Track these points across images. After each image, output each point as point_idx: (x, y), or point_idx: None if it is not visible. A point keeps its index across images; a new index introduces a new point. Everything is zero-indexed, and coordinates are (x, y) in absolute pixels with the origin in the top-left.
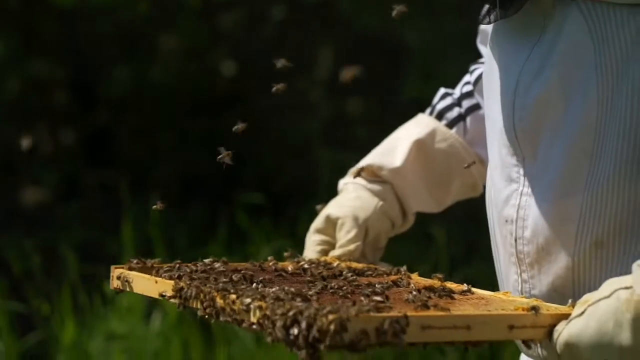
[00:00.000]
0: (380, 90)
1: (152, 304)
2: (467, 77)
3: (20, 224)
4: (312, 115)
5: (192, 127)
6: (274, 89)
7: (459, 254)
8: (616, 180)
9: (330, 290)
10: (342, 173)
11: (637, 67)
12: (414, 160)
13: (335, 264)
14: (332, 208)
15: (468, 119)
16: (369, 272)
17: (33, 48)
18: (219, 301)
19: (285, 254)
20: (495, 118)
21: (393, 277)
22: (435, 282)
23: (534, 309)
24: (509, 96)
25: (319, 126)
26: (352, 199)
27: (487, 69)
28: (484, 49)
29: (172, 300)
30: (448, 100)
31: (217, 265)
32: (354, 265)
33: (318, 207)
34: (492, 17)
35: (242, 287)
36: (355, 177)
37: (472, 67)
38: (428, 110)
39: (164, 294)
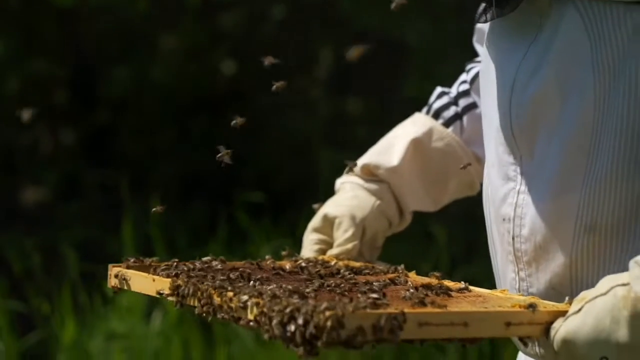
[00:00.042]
0: (380, 90)
1: (152, 304)
2: (464, 76)
3: (21, 223)
4: (312, 115)
5: (192, 126)
6: (274, 86)
7: (459, 253)
8: (613, 178)
9: (328, 288)
10: (342, 172)
11: (634, 64)
12: (410, 159)
13: (332, 263)
14: (330, 207)
15: (465, 118)
16: (367, 271)
17: (33, 48)
18: (216, 299)
19: (283, 252)
20: (492, 116)
21: (390, 276)
22: (432, 280)
23: (531, 306)
24: (506, 94)
25: (319, 125)
26: (349, 198)
27: (484, 67)
28: (480, 48)
29: (169, 298)
30: (445, 99)
31: (214, 263)
32: (352, 263)
33: (315, 206)
34: (488, 15)
35: (240, 284)
36: (347, 172)
37: (468, 66)
38: (425, 109)
39: (161, 292)
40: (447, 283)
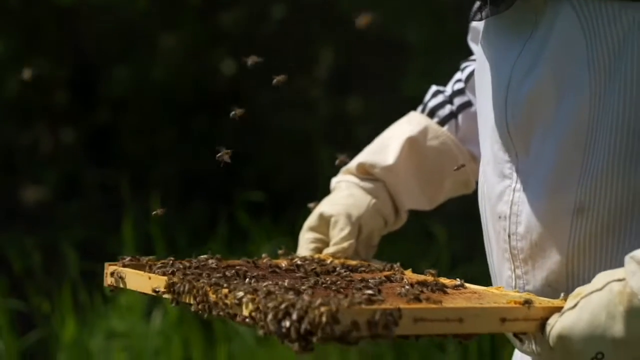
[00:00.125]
0: (380, 89)
1: (152, 302)
2: (459, 75)
3: (21, 222)
4: (312, 114)
5: (192, 125)
6: (274, 81)
7: (459, 252)
8: (609, 176)
9: (323, 286)
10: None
11: (629, 62)
12: (406, 158)
13: (328, 261)
14: (325, 206)
15: (460, 117)
16: (363, 269)
17: (33, 47)
18: (212, 296)
19: (280, 251)
20: (488, 114)
21: (386, 273)
22: (428, 278)
23: (527, 302)
24: (501, 92)
25: (319, 125)
26: (345, 196)
27: (479, 66)
28: (475, 47)
29: (165, 295)
30: (440, 98)
31: (210, 262)
32: (348, 262)
33: (311, 205)
34: (483, 13)
35: (235, 282)
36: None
37: (463, 65)
38: (420, 108)
39: (157, 289)
40: (443, 280)
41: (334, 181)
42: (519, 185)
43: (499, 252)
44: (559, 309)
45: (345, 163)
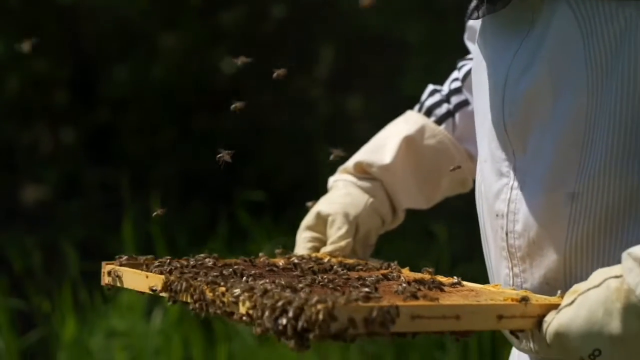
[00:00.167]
0: (380, 89)
1: (153, 301)
2: (455, 74)
3: (21, 221)
4: (313, 114)
5: (192, 125)
6: (274, 74)
7: (460, 251)
8: (606, 174)
9: (320, 284)
10: None
11: (626, 60)
12: (403, 157)
13: (326, 260)
14: (323, 205)
15: (457, 115)
16: (360, 267)
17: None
18: (209, 294)
19: (277, 251)
20: (485, 113)
21: (383, 271)
22: (425, 276)
23: (524, 299)
24: (499, 90)
25: (319, 124)
26: (342, 195)
27: (476, 64)
28: (472, 45)
29: (162, 294)
30: (436, 97)
31: (207, 260)
32: (345, 260)
33: (309, 204)
34: (480, 12)
35: (232, 280)
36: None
37: (460, 64)
38: (417, 107)
39: (154, 288)
40: (440, 278)
41: (331, 180)
42: (516, 183)
43: (497, 250)
44: (556, 306)
45: (340, 157)
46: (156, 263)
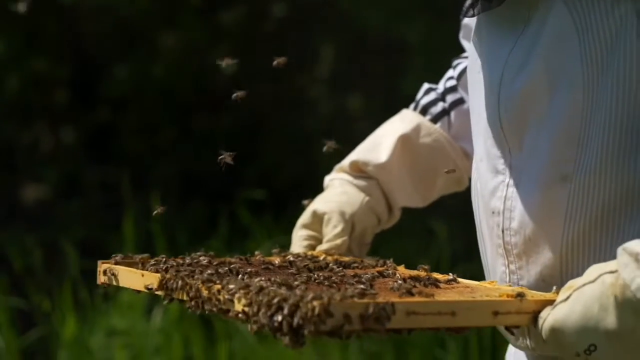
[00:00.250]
0: (381, 88)
1: (153, 300)
2: (451, 72)
3: (21, 221)
4: (313, 113)
5: (192, 124)
6: (275, 62)
7: (460, 250)
8: (602, 171)
9: (316, 281)
10: None
11: (622, 57)
12: (399, 156)
13: (321, 258)
14: (319, 203)
15: (452, 114)
16: (356, 265)
17: (34, 47)
18: (204, 292)
19: (274, 250)
20: (481, 111)
21: (379, 269)
22: (421, 273)
23: (519, 295)
24: (494, 88)
25: (319, 123)
26: (338, 194)
27: (471, 62)
28: (467, 44)
29: (158, 292)
30: (432, 95)
31: (202, 259)
32: (341, 258)
33: (305, 202)
34: (475, 10)
35: (228, 278)
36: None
37: (455, 62)
38: (412, 105)
39: (149, 286)
40: (436, 275)
41: (327, 179)
42: (512, 181)
43: (493, 247)
44: (551, 302)
45: (333, 149)
46: (152, 262)
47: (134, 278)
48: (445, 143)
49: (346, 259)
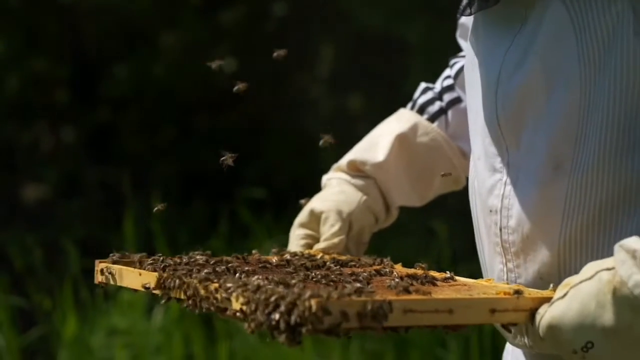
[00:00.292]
0: (380, 88)
1: (153, 299)
2: (448, 71)
3: (22, 220)
4: (314, 112)
5: (192, 124)
6: (275, 54)
7: (461, 249)
8: (600, 169)
9: (313, 280)
10: None
11: (619, 55)
12: (396, 155)
13: (318, 256)
14: (316, 202)
15: (449, 113)
16: (353, 263)
17: (34, 46)
18: (202, 290)
19: (273, 250)
20: (478, 109)
21: (376, 267)
22: (418, 271)
23: (516, 292)
24: (491, 87)
25: (319, 123)
26: (335, 193)
27: (469, 61)
28: (464, 43)
29: (155, 291)
30: (429, 95)
31: (199, 257)
32: (338, 257)
33: (302, 201)
34: (472, 8)
35: (225, 277)
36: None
37: (452, 61)
38: (409, 104)
39: (147, 285)
40: (433, 273)
41: (325, 178)
42: (509, 179)
43: (490, 246)
44: (548, 299)
45: (329, 143)
46: (149, 260)
47: (132, 277)
48: (443, 142)
49: (343, 257)
